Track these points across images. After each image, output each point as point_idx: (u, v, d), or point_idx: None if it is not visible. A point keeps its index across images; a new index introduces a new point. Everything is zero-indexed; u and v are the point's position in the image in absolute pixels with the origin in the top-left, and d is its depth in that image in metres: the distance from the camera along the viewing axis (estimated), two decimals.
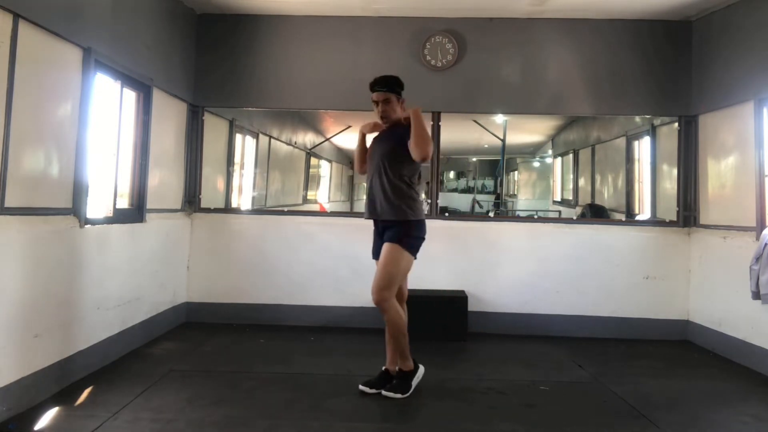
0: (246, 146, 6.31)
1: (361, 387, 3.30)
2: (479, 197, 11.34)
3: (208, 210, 5.09)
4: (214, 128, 5.39)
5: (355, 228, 4.77)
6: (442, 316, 4.62)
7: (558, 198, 9.66)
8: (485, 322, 4.83)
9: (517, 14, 4.93)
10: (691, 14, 4.79)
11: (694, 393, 3.51)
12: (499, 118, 7.47)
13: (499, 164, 10.09)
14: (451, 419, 3.00)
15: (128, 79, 3.93)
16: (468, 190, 13.34)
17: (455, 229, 5.02)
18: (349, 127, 8.32)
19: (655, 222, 5.20)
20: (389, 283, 3.12)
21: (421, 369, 3.41)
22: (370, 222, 3.37)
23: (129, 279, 3.93)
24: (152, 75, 4.22)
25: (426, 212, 4.98)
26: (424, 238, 3.27)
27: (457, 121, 6.54)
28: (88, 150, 3.38)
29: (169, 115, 4.67)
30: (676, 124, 4.96)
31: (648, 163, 5.71)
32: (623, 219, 6.00)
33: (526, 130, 9.22)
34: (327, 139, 9.66)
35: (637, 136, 6.00)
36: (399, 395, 3.22)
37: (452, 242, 4.95)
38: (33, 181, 2.99)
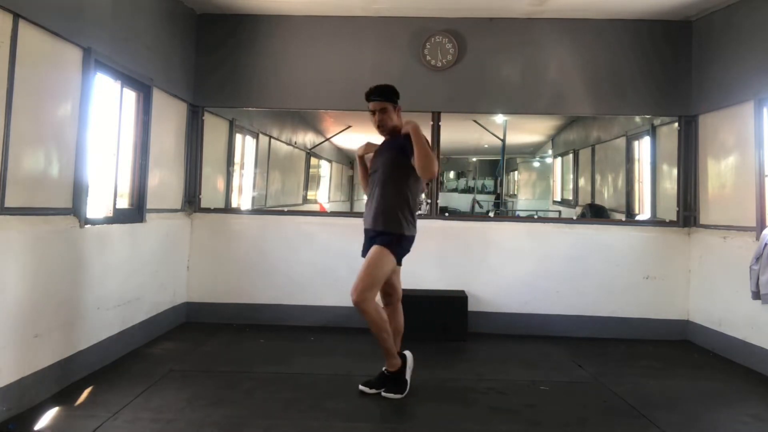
0: (246, 146, 6.31)
1: (360, 387, 3.30)
2: (479, 197, 11.35)
3: (208, 210, 5.09)
4: (214, 128, 5.39)
5: (355, 228, 4.70)
6: (442, 316, 4.62)
7: (558, 198, 9.65)
8: (485, 322, 4.83)
9: (517, 14, 4.93)
10: (691, 14, 4.80)
11: (694, 393, 3.51)
12: (499, 118, 7.47)
13: (499, 164, 10.10)
14: (451, 419, 3.00)
15: (128, 79, 3.93)
16: (468, 190, 13.34)
17: (455, 229, 5.02)
18: (349, 127, 8.32)
19: (655, 222, 5.20)
20: (372, 285, 3.13)
21: (409, 357, 3.39)
22: None
23: (129, 279, 3.93)
24: (152, 75, 4.23)
25: (426, 212, 5.01)
26: (409, 251, 3.32)
27: (457, 121, 6.54)
28: (88, 150, 3.38)
29: (169, 115, 4.67)
30: (676, 124, 4.96)
31: (648, 163, 5.71)
32: (623, 219, 5.99)
33: (526, 130, 9.21)
34: (327, 139, 9.67)
35: (637, 136, 6.00)
36: (399, 395, 3.23)
37: (452, 242, 4.95)
38: (33, 181, 2.99)
